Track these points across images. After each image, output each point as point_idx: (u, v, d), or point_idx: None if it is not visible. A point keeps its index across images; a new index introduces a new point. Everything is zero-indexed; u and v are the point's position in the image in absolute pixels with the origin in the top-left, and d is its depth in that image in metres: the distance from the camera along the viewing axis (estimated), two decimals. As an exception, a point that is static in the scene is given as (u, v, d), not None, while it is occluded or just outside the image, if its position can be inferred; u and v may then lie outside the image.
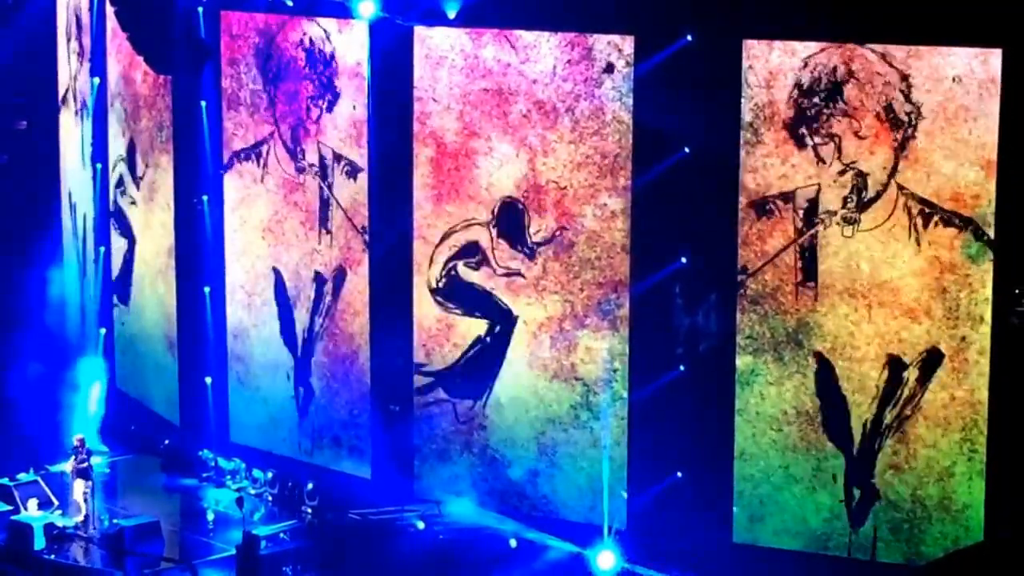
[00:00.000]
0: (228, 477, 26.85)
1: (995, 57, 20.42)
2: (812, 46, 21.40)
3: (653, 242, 22.64)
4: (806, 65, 21.46)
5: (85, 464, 25.03)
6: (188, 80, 26.97)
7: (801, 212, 21.76)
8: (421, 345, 24.55)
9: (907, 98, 20.95)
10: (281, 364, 26.42)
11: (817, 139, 21.54)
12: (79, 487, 24.97)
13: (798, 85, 21.54)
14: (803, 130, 21.60)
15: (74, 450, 25.26)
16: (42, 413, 28.37)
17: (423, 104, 24.09)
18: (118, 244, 29.49)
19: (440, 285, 24.16)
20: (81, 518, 24.74)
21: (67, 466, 25.44)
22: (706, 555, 22.29)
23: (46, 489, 25.55)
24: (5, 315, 30.84)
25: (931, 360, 21.27)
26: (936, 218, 21.01)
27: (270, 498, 26.04)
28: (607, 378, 23.17)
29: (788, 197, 21.80)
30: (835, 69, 21.31)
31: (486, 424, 24.19)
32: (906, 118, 21.00)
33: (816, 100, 21.47)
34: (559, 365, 23.54)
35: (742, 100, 21.83)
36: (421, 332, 24.54)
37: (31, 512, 24.69)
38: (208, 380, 27.28)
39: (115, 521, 24.70)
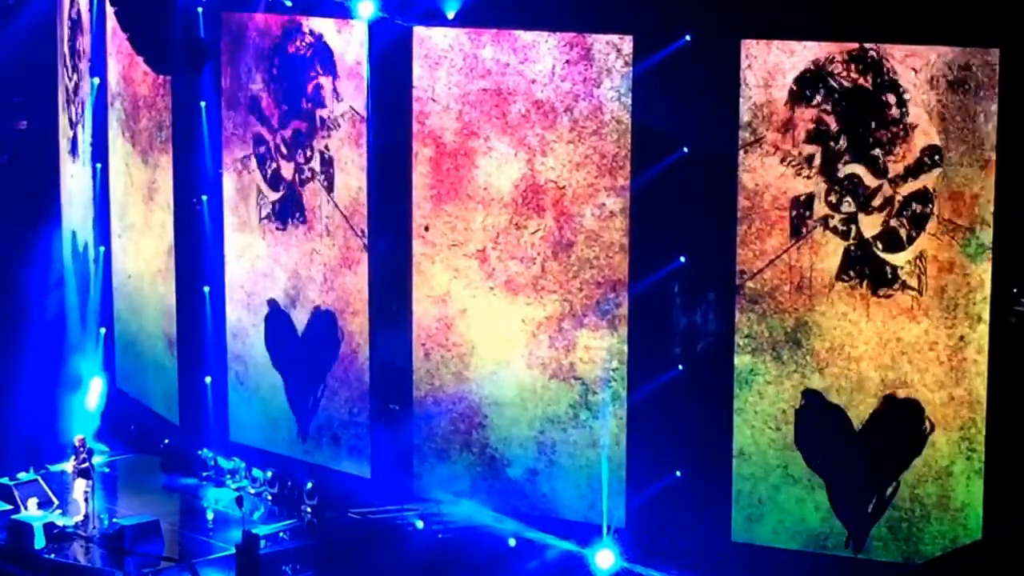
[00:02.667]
0: (228, 476, 26.87)
1: (993, 57, 20.46)
2: (811, 45, 21.45)
3: (652, 242, 22.67)
4: (805, 65, 21.55)
5: (86, 464, 25.05)
6: (187, 80, 26.99)
7: (799, 211, 21.81)
8: (420, 344, 24.60)
9: (906, 98, 21.03)
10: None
11: (815, 140, 21.61)
12: (79, 486, 25.01)
13: (796, 86, 21.61)
14: (801, 131, 21.66)
15: (75, 450, 25.28)
16: (42, 413, 28.42)
17: (422, 104, 24.11)
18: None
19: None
20: (81, 517, 24.77)
21: (68, 466, 25.47)
22: (705, 554, 22.32)
23: (46, 488, 25.59)
24: (5, 315, 30.87)
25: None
26: (934, 219, 21.06)
27: (269, 497, 26.06)
28: (606, 377, 23.19)
29: (785, 197, 21.85)
30: (834, 69, 21.39)
31: (485, 423, 24.23)
32: (903, 118, 21.07)
33: (814, 100, 21.52)
34: (558, 364, 23.57)
35: (740, 100, 21.87)
36: (420, 331, 24.58)
37: (31, 511, 24.74)
38: (208, 380, 27.31)
39: (115, 520, 24.74)
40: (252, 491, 26.27)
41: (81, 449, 25.22)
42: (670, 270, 22.51)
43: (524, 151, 23.45)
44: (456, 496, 24.13)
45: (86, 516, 24.78)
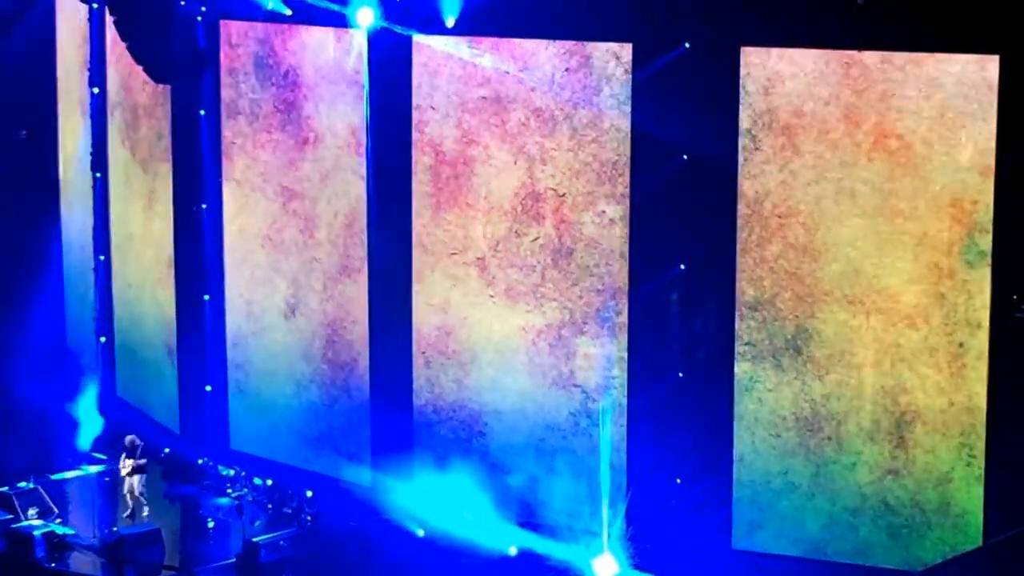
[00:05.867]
0: (228, 485, 26.86)
1: (992, 64, 20.48)
2: (811, 53, 21.47)
3: (652, 249, 22.68)
4: (803, 71, 21.59)
5: (143, 460, 25.58)
6: (187, 90, 27.02)
7: (796, 218, 21.84)
8: (420, 353, 24.61)
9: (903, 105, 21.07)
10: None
11: (812, 145, 21.63)
12: (134, 484, 25.46)
13: (795, 91, 21.65)
14: (800, 136, 21.68)
15: (126, 451, 25.58)
16: (42, 422, 28.43)
17: (421, 112, 24.14)
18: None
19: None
20: (130, 514, 25.39)
21: (122, 467, 25.68)
22: (705, 561, 22.32)
23: (46, 497, 25.58)
24: (4, 322, 30.87)
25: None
26: (934, 223, 21.08)
27: (269, 506, 26.04)
28: (606, 385, 23.19)
29: (785, 204, 21.87)
30: (832, 75, 21.42)
31: (485, 431, 24.23)
32: (903, 123, 21.10)
33: (813, 105, 21.55)
34: (558, 372, 23.57)
35: (740, 107, 21.88)
36: (420, 339, 24.59)
37: (31, 521, 24.74)
38: (208, 388, 27.31)
39: (115, 529, 24.77)
40: (252, 499, 26.25)
41: (133, 449, 25.58)
42: (670, 277, 22.52)
43: (524, 159, 23.47)
44: (456, 504, 24.15)
45: (133, 511, 25.38)
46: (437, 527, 23.90)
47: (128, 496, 25.65)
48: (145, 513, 25.46)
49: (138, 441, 25.85)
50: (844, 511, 21.94)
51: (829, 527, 22.03)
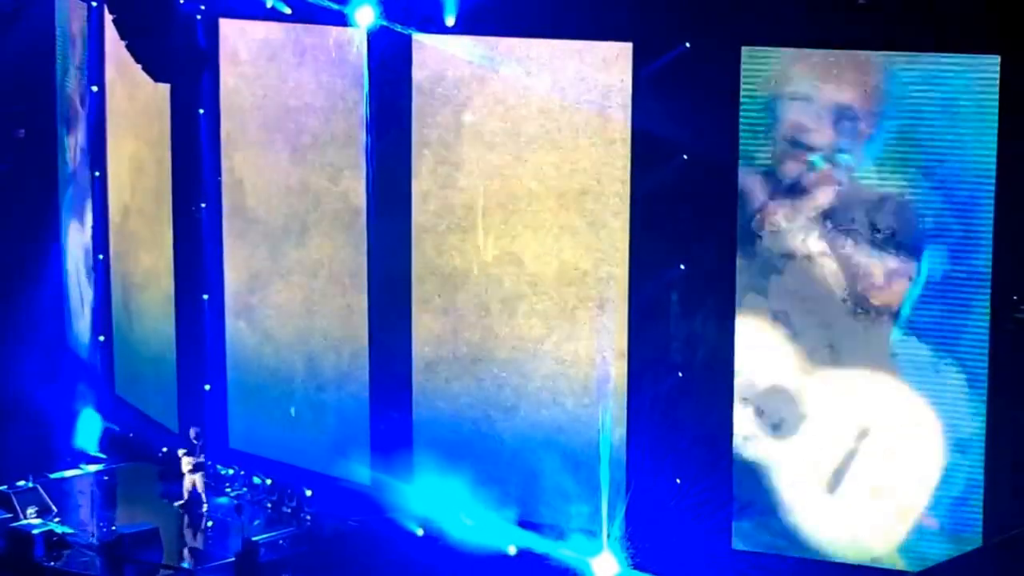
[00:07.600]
0: (227, 484, 26.87)
1: (992, 63, 20.49)
2: (811, 52, 21.47)
3: (652, 249, 22.67)
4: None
5: (201, 458, 26.01)
6: (186, 88, 27.02)
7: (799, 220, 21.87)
8: (420, 351, 24.59)
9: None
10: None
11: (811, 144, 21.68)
12: (196, 481, 25.92)
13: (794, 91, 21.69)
14: (798, 136, 21.71)
15: (191, 444, 26.05)
16: (41, 420, 28.43)
17: (421, 111, 24.13)
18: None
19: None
20: (205, 507, 25.95)
21: (185, 463, 26.05)
22: (705, 561, 22.33)
23: (45, 496, 25.58)
24: (4, 321, 30.87)
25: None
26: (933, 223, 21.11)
27: (269, 505, 26.04)
28: (605, 384, 23.18)
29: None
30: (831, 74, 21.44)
31: (485, 431, 24.22)
32: (900, 121, 21.13)
33: (812, 104, 21.57)
34: (557, 372, 23.56)
35: (740, 107, 21.86)
36: (420, 339, 24.58)
37: (30, 519, 24.75)
38: (207, 387, 27.30)
39: (114, 528, 24.77)
40: (251, 499, 26.25)
41: (197, 443, 26.03)
42: (670, 277, 22.51)
43: (524, 158, 23.46)
44: (455, 504, 24.16)
45: (199, 502, 25.95)
46: (437, 527, 23.89)
47: (201, 493, 26.11)
48: (205, 508, 26.00)
49: (200, 435, 26.23)
50: (844, 511, 21.95)
51: (829, 527, 22.02)
